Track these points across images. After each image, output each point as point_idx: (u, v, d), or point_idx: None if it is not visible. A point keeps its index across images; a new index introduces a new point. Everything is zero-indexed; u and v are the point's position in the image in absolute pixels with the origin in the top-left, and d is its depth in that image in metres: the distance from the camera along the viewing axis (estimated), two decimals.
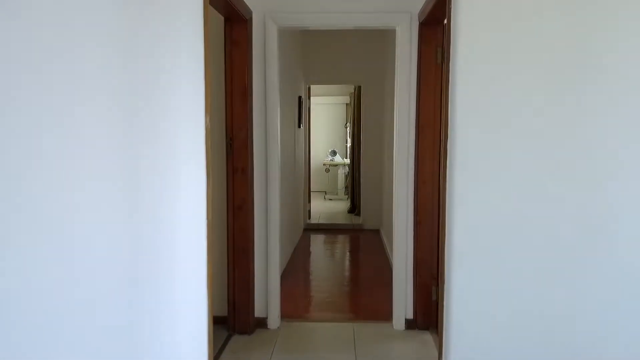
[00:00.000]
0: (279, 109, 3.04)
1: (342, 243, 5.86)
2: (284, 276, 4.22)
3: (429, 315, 3.03)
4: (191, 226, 1.89)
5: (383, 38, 5.70)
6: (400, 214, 3.03)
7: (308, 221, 6.67)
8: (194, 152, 1.92)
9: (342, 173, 9.11)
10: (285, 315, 3.24)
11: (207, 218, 2.03)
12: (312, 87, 7.07)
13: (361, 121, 6.47)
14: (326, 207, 8.23)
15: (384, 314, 3.24)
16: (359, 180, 6.64)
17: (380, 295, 3.70)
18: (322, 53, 6.09)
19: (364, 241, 5.88)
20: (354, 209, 7.29)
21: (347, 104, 9.35)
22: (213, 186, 3.00)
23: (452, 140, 2.11)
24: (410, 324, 3.05)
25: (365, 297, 3.78)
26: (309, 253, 5.39)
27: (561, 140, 1.97)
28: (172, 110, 1.65)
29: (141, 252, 1.44)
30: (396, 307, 3.06)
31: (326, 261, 5.06)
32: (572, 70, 1.94)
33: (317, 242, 5.89)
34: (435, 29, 2.89)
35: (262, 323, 3.08)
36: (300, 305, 3.61)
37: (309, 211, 6.91)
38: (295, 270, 4.57)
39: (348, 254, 5.44)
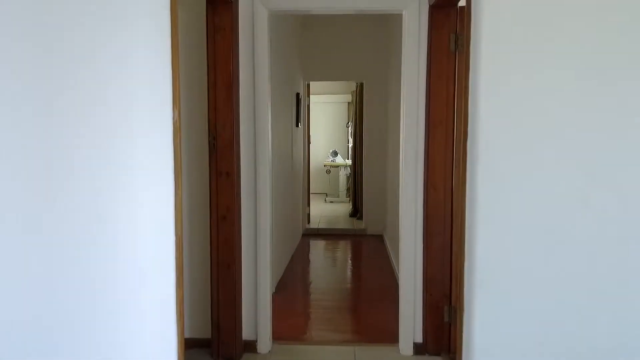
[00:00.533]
0: (270, 104, 2.68)
1: (344, 250, 5.50)
2: (280, 288, 3.86)
3: (440, 338, 2.66)
4: (153, 245, 1.53)
5: (388, 30, 5.34)
6: (408, 223, 2.67)
7: (307, 226, 6.32)
8: (159, 152, 1.56)
9: (343, 174, 8.80)
10: (278, 336, 2.88)
11: (176, 234, 1.66)
12: (313, 85, 6.77)
13: (363, 120, 6.17)
14: (327, 210, 7.87)
15: (390, 334, 2.87)
16: (361, 182, 6.31)
17: (385, 310, 3.33)
18: (321, 48, 5.78)
19: (366, 248, 5.52)
20: (356, 212, 6.93)
21: (348, 103, 9.05)
22: (193, 192, 2.66)
23: (473, 140, 1.75)
24: (419, 349, 2.68)
25: (369, 313, 3.41)
26: (308, 261, 5.03)
27: (606, 141, 1.63)
28: (120, 99, 1.30)
29: (76, 275, 1.09)
30: (403, 329, 2.69)
31: (326, 270, 4.70)
32: (620, 59, 1.60)
33: (317, 249, 5.53)
34: (448, 12, 2.53)
35: (251, 346, 2.72)
36: (296, 323, 3.25)
37: (309, 215, 6.55)
38: (292, 281, 4.21)
39: (350, 262, 5.08)
